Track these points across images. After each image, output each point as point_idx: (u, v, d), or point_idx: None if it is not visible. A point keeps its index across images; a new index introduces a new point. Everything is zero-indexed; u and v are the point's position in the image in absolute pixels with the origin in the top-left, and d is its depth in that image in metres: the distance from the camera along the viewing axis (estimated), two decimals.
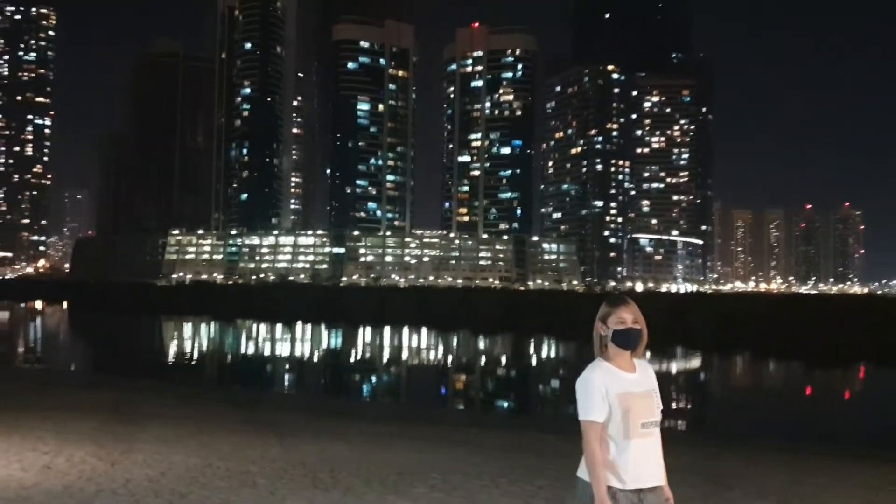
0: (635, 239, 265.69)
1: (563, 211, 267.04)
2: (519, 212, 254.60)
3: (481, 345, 51.55)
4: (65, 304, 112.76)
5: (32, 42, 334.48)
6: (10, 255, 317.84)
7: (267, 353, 46.80)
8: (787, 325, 50.15)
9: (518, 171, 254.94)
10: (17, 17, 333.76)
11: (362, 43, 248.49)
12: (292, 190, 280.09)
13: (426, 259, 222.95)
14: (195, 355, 44.45)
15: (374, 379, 33.92)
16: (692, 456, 12.07)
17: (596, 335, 4.12)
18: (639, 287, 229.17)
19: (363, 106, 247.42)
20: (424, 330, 60.99)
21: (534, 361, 43.90)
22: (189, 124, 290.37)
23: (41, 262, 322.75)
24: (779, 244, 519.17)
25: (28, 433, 12.15)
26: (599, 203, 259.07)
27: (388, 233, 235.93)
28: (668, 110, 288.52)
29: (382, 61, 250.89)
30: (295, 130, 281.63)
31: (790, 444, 15.59)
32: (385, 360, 41.86)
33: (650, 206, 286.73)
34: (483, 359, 42.64)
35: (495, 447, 13.03)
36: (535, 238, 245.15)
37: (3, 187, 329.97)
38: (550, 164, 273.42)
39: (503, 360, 43.95)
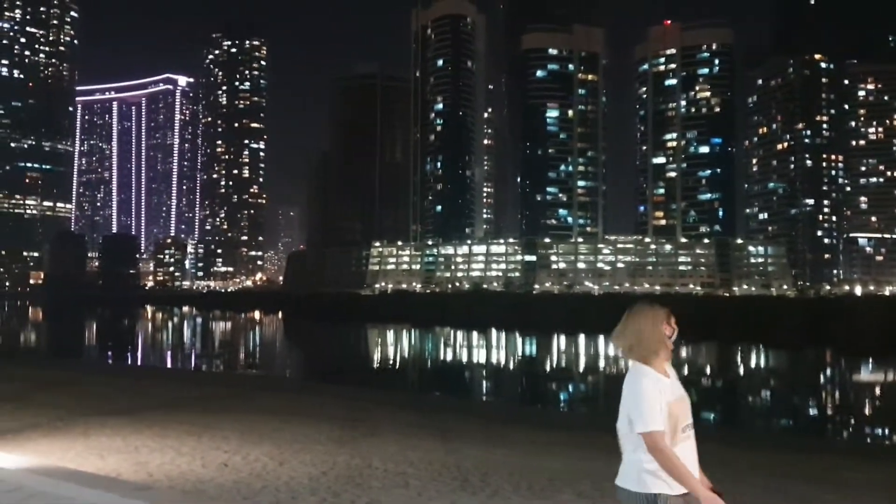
0: (853, 238, 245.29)
1: (770, 211, 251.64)
2: (721, 213, 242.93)
3: (682, 353, 49.73)
4: (280, 314, 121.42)
5: (247, 72, 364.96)
6: (231, 269, 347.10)
7: (462, 359, 47.78)
8: None
9: (718, 170, 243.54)
10: (233, 50, 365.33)
11: (550, 50, 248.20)
12: (484, 199, 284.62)
13: (620, 265, 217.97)
14: (395, 361, 46.28)
15: (569, 387, 33.66)
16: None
17: (656, 336, 4.03)
18: (857, 290, 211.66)
19: (552, 113, 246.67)
20: None
21: (741, 371, 41.78)
22: (388, 141, 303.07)
23: (258, 276, 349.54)
24: None
25: (216, 433, 13.16)
26: (810, 201, 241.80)
27: (580, 239, 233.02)
28: (885, 98, 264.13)
29: (571, 67, 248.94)
30: (486, 142, 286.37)
31: None
32: (579, 368, 41.41)
33: (868, 202, 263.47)
34: (685, 369, 40.92)
35: None
36: (740, 240, 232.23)
37: (224, 207, 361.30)
38: (754, 161, 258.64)
39: (707, 369, 42.14)
